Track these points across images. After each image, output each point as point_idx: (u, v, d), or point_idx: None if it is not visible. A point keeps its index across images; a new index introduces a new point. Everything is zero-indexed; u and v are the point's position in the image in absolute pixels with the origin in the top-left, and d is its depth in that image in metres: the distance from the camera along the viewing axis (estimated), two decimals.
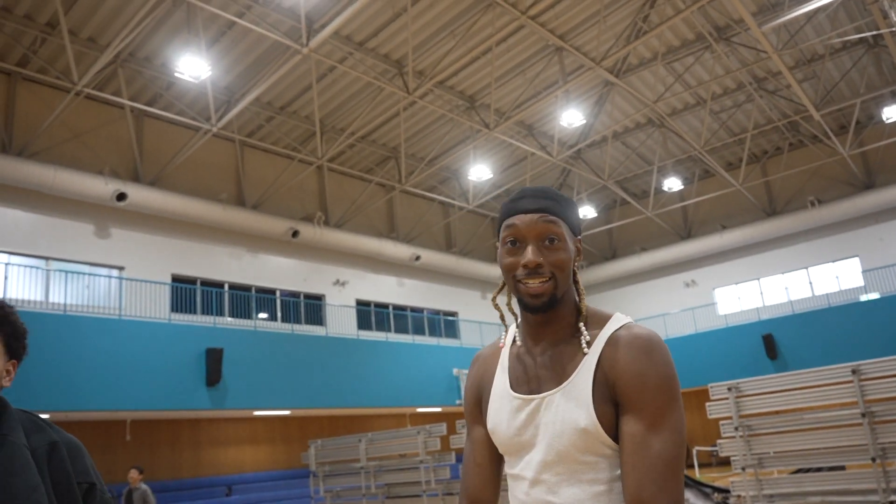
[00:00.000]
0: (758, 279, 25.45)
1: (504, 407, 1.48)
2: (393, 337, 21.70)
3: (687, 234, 27.11)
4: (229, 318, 18.20)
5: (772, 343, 21.09)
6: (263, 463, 19.36)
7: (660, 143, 24.25)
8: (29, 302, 14.76)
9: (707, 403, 11.57)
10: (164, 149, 18.23)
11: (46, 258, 15.78)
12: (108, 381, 13.60)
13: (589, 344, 1.42)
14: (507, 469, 1.51)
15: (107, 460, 15.86)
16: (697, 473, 18.40)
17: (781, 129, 23.90)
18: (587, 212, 26.80)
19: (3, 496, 1.41)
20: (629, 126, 23.84)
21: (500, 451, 1.51)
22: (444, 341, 23.50)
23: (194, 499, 16.73)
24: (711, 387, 11.55)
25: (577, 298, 1.49)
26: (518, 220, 1.44)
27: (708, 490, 12.61)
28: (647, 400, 1.33)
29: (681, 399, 1.37)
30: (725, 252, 25.86)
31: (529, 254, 1.41)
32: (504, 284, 1.53)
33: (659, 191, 26.12)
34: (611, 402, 1.36)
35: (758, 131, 23.47)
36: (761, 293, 25.27)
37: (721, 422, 11.33)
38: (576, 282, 1.50)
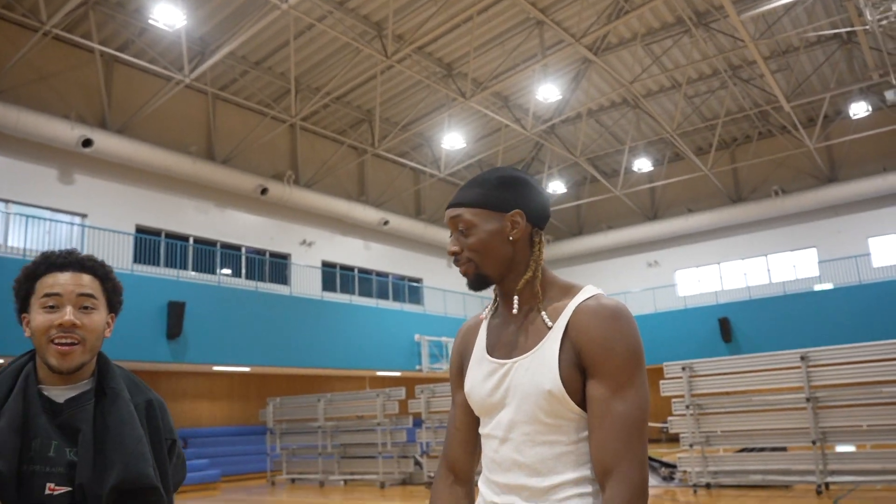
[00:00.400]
0: (718, 263, 25.97)
1: (480, 370, 1.59)
2: (357, 300, 21.77)
3: (653, 215, 27.48)
4: (193, 272, 18.08)
5: (727, 326, 21.61)
6: (221, 418, 19.42)
7: (633, 123, 24.44)
8: None
9: (661, 381, 11.90)
10: (133, 97, 17.88)
11: (6, 201, 15.47)
12: None
13: (555, 315, 1.51)
14: (481, 429, 1.60)
15: None
16: (648, 449, 18.88)
17: (752, 118, 24.24)
18: (557, 187, 26.97)
19: (115, 444, 1.55)
20: (604, 104, 23.96)
21: (475, 412, 1.61)
22: (408, 307, 23.64)
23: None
24: (666, 365, 11.88)
25: (535, 272, 1.57)
26: (445, 215, 1.62)
27: (656, 465, 12.99)
28: (612, 365, 1.42)
29: (644, 367, 1.46)
30: (689, 235, 26.31)
31: (449, 244, 1.60)
32: None
33: (629, 170, 26.38)
34: (577, 368, 1.45)
35: (729, 118, 23.78)
36: (721, 277, 25.81)
37: (673, 399, 11.67)
38: (532, 252, 1.58)
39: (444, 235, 25.75)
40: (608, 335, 1.43)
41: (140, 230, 17.56)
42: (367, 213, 22.87)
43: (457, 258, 1.58)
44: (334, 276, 22.15)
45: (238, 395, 19.85)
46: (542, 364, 1.46)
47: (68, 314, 1.57)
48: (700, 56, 20.39)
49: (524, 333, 1.53)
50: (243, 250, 20.02)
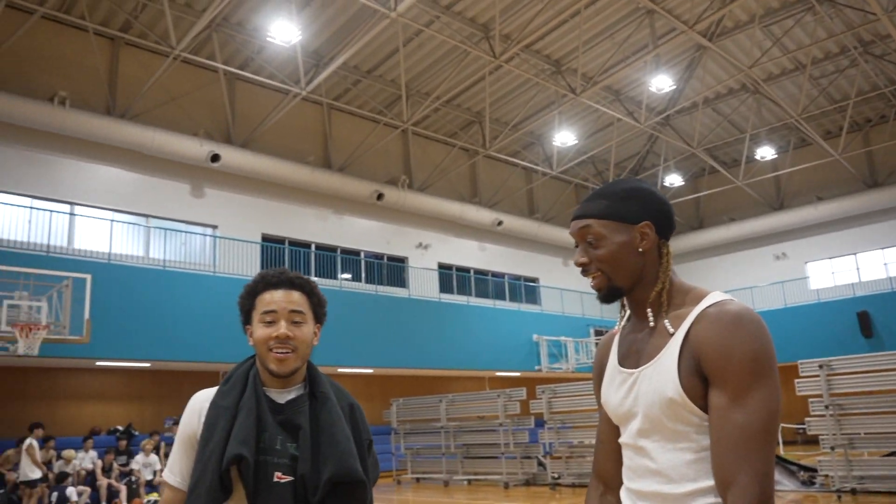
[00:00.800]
0: (854, 254, 24.38)
1: (613, 381, 1.61)
2: (474, 301, 21.89)
3: (779, 204, 26.13)
4: (315, 278, 18.73)
5: (867, 321, 20.26)
6: None
7: (753, 109, 23.34)
8: (131, 257, 15.58)
9: (796, 380, 11.30)
10: (254, 111, 18.75)
11: (147, 216, 16.58)
12: (202, 334, 14.29)
13: (678, 324, 1.49)
14: (620, 439, 1.61)
15: None
16: (782, 450, 17.99)
17: (887, 96, 22.59)
18: (674, 180, 26.15)
19: (329, 441, 1.78)
20: (721, 92, 23.02)
21: (614, 422, 1.63)
22: (525, 307, 23.54)
23: None
24: (801, 363, 11.26)
25: (663, 279, 1.57)
26: (571, 227, 1.62)
27: (794, 468, 12.34)
28: (730, 373, 1.37)
29: (773, 373, 1.39)
30: (820, 224, 24.83)
31: (577, 255, 1.60)
32: None
33: (751, 159, 25.21)
34: (698, 376, 1.42)
35: (861, 98, 22.26)
36: (857, 268, 24.21)
37: (810, 399, 11.05)
38: (661, 263, 1.58)
39: (558, 234, 25.51)
40: (726, 342, 1.39)
41: (265, 239, 18.37)
42: (481, 214, 22.96)
43: (585, 270, 1.58)
44: (451, 277, 22.37)
45: (362, 395, 20.38)
46: (663, 372, 1.46)
47: (283, 328, 1.82)
48: (826, 34, 19.22)
49: (650, 343, 1.53)
50: (362, 255, 20.56)
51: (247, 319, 1.90)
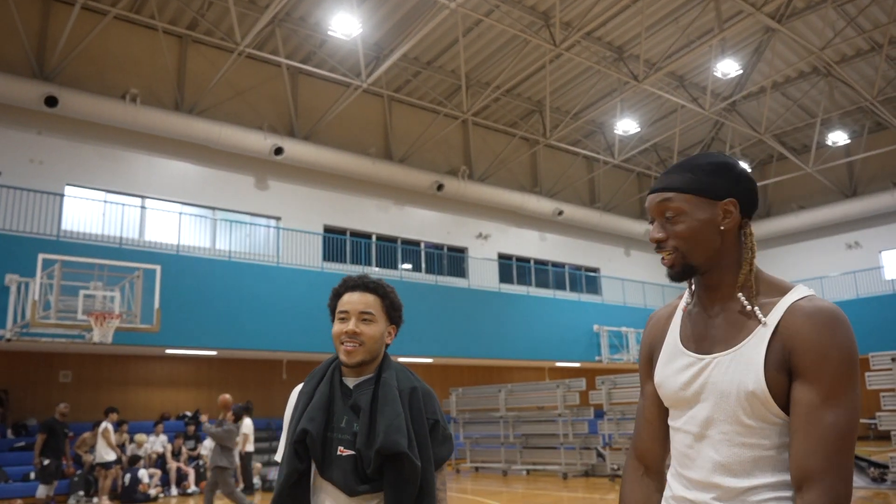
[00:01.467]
0: None
1: (673, 362, 1.55)
2: (534, 291, 21.83)
3: (852, 191, 25.17)
4: (376, 268, 18.99)
5: None
6: None
7: (825, 93, 22.51)
8: (198, 248, 16.08)
9: (867, 373, 10.94)
10: (317, 105, 19.05)
11: (213, 208, 17.07)
12: (266, 323, 14.66)
13: (764, 313, 1.44)
14: (671, 421, 1.57)
15: (264, 396, 17.17)
16: None
17: None
18: None
19: (381, 418, 2.00)
20: (791, 76, 22.27)
21: (666, 404, 1.58)
22: (585, 297, 23.34)
23: None
24: (872, 356, 10.90)
25: (743, 263, 1.51)
26: (648, 200, 1.56)
27: (864, 464, 11.96)
28: (826, 372, 1.34)
29: (857, 378, 1.37)
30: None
31: (653, 230, 1.53)
32: None
33: (822, 145, 24.34)
34: (784, 370, 1.39)
35: None
36: None
37: (882, 393, 10.69)
38: (745, 243, 1.52)
39: (620, 223, 25.17)
40: (824, 340, 1.36)
41: (328, 230, 18.69)
42: (541, 204, 22.84)
43: (660, 246, 1.52)
44: (511, 267, 22.34)
45: None
46: (746, 363, 1.41)
47: (352, 324, 2.08)
48: None
49: (727, 329, 1.48)
50: (422, 245, 20.71)
51: (333, 317, 2.15)
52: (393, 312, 2.18)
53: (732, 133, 24.75)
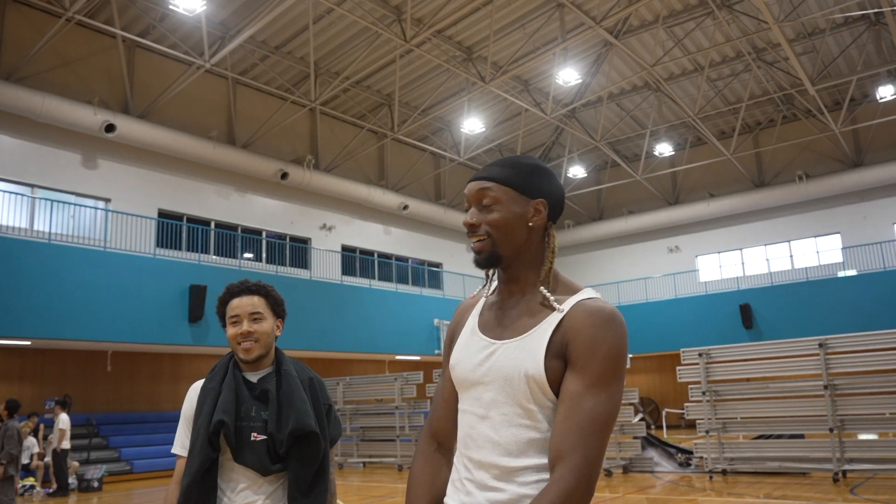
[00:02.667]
0: (740, 249, 25.74)
1: (467, 346, 1.63)
2: (377, 284, 21.88)
3: (675, 199, 27.26)
4: (214, 256, 18.28)
5: (748, 313, 21.46)
6: None
7: (654, 107, 24.22)
8: (13, 228, 14.75)
9: (678, 367, 11.88)
10: (155, 82, 18.03)
11: (32, 185, 15.73)
12: (90, 311, 13.71)
13: (545, 307, 1.55)
14: (459, 404, 1.65)
15: (85, 389, 16.09)
16: (665, 434, 18.88)
17: (776, 101, 23.91)
18: (577, 171, 26.83)
19: (289, 405, 2.25)
20: (625, 88, 23.76)
21: (455, 385, 1.65)
22: (427, 291, 23.72)
23: (173, 430, 17.00)
24: (683, 352, 11.85)
25: (544, 258, 1.61)
26: (468, 187, 1.64)
27: (672, 450, 12.99)
28: (593, 363, 1.45)
29: (623, 375, 1.50)
30: (711, 220, 26.08)
31: (468, 215, 1.62)
32: None
33: (650, 155, 26.18)
34: (562, 360, 1.49)
35: (753, 102, 23.47)
36: (742, 263, 25.60)
37: (690, 386, 11.65)
38: (548, 244, 1.62)
39: (463, 220, 25.72)
40: (596, 335, 1.47)
41: (162, 214, 17.76)
42: (387, 198, 22.93)
43: (473, 230, 1.60)
44: (354, 260, 22.27)
45: None
46: (530, 349, 1.50)
47: (245, 326, 2.30)
48: (723, 38, 20.12)
49: (518, 318, 1.57)
50: (264, 234, 20.18)
51: (223, 323, 2.37)
52: (277, 308, 2.42)
53: (571, 139, 26.04)
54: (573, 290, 1.58)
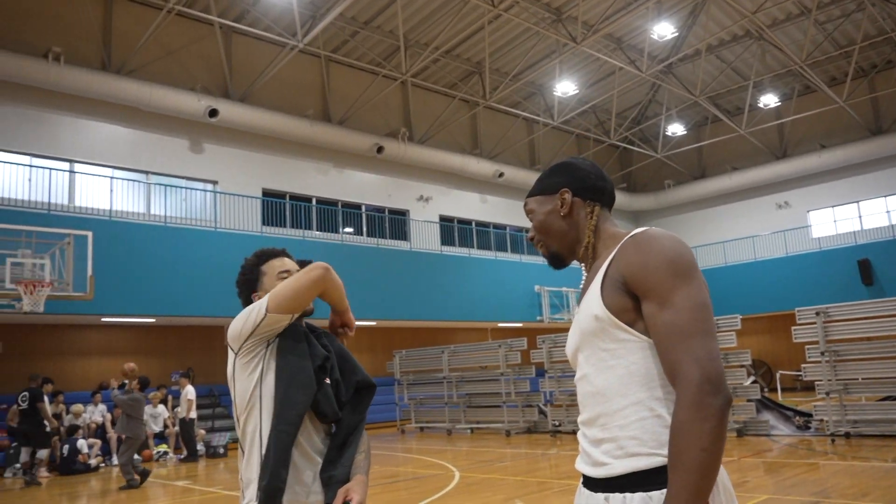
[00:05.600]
0: (857, 202, 24.31)
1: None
2: (475, 253, 21.97)
3: (782, 153, 25.97)
4: (316, 232, 18.80)
5: (868, 268, 20.31)
6: None
7: (757, 56, 23.03)
8: (132, 213, 15.62)
9: (793, 328, 11.41)
10: (252, 65, 18.57)
11: (146, 172, 16.57)
12: (205, 288, 14.40)
13: (605, 257, 1.63)
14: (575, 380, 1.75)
15: (206, 362, 16.96)
16: (780, 397, 18.23)
17: (894, 41, 22.24)
18: (676, 129, 25.94)
19: (352, 366, 2.37)
20: (725, 39, 22.68)
21: (571, 365, 1.76)
22: (527, 258, 23.61)
23: None
24: (798, 311, 11.36)
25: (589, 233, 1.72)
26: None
27: (789, 413, 12.53)
28: (651, 281, 1.48)
29: (693, 273, 1.48)
30: (823, 173, 24.70)
31: (529, 231, 1.83)
32: None
33: (754, 107, 24.98)
34: (626, 294, 1.52)
35: (867, 43, 21.92)
36: (860, 216, 24.18)
37: (807, 346, 11.17)
38: (591, 217, 1.72)
39: None
40: (643, 256, 1.51)
41: (266, 194, 18.37)
42: (482, 166, 22.89)
43: (533, 243, 1.81)
44: (452, 230, 22.41)
45: (366, 347, 20.63)
46: (589, 299, 1.59)
47: None
48: None
49: (587, 287, 1.66)
50: (363, 208, 20.57)
51: (253, 287, 2.37)
52: (245, 291, 2.44)
53: (668, 95, 25.16)
54: (623, 235, 1.64)
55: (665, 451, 1.44)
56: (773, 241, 23.88)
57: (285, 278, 2.31)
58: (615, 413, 1.52)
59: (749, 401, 12.14)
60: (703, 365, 1.38)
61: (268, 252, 2.43)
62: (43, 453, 11.62)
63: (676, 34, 20.59)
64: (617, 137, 25.96)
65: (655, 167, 28.57)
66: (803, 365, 11.32)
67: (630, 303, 1.52)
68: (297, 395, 2.10)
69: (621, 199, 28.07)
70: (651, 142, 27.56)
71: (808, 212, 25.31)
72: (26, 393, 11.37)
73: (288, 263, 2.40)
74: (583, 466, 1.61)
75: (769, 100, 23.81)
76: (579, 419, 1.65)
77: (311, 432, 2.16)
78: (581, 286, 1.78)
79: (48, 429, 11.66)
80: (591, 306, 1.57)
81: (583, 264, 1.75)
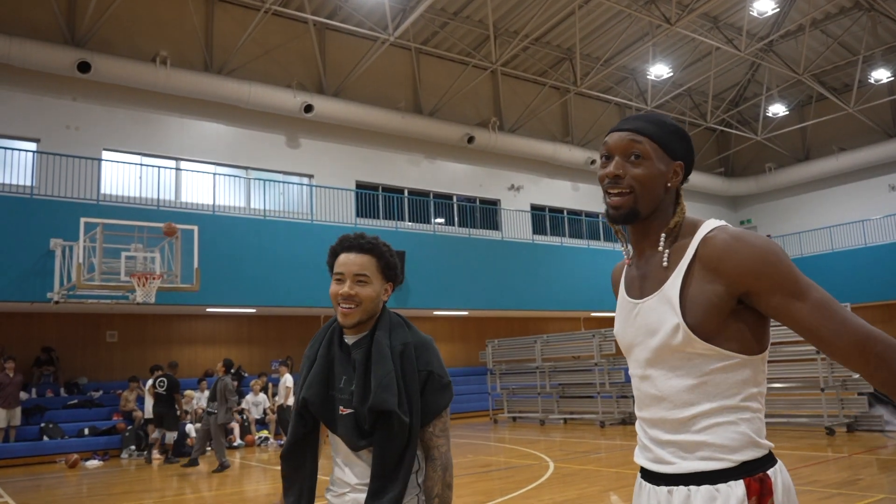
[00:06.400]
0: None
1: (621, 312, 1.68)
2: (568, 242, 21.75)
3: (895, 131, 24.44)
4: (409, 223, 19.06)
5: None
6: (444, 360, 20.39)
7: (867, 29, 21.72)
8: (233, 208, 16.28)
9: None
10: (345, 60, 18.95)
11: (246, 168, 17.21)
12: (302, 280, 14.87)
13: (677, 254, 1.54)
14: (630, 370, 1.68)
15: (303, 350, 17.44)
16: None
17: None
18: (777, 109, 24.81)
19: (371, 374, 2.06)
20: (831, 12, 21.50)
21: (623, 351, 1.69)
22: (620, 247, 23.20)
23: None
24: None
25: (672, 215, 1.61)
26: (611, 136, 1.61)
27: None
28: (777, 277, 1.43)
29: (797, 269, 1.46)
30: None
31: (612, 165, 1.58)
32: None
33: (864, 84, 23.59)
34: (714, 298, 1.45)
35: None
36: None
37: None
38: (678, 203, 1.61)
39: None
40: (752, 254, 1.44)
41: (360, 186, 18.76)
42: (574, 154, 22.60)
43: (615, 182, 1.57)
44: (544, 218, 22.26)
45: (459, 337, 20.80)
46: (666, 301, 1.51)
47: (346, 287, 2.09)
48: None
49: (653, 274, 1.58)
50: (454, 199, 20.70)
51: (332, 274, 2.18)
52: (388, 272, 2.18)
53: (769, 74, 24.10)
54: (696, 226, 1.55)
55: (737, 457, 1.45)
56: (886, 224, 22.53)
57: (338, 281, 2.12)
58: (684, 422, 1.50)
59: (860, 394, 11.55)
60: (847, 332, 1.40)
61: (344, 242, 2.17)
62: (171, 436, 12.42)
63: (777, 9, 19.67)
64: (714, 120, 25.08)
65: (755, 150, 27.44)
66: None
67: (716, 310, 1.46)
68: (292, 423, 2.16)
69: (719, 183, 27.13)
70: (751, 124, 26.49)
71: None
72: (164, 379, 12.22)
73: (347, 263, 2.12)
74: (643, 461, 1.60)
75: (881, 75, 22.45)
76: (639, 413, 1.62)
77: (347, 457, 2.11)
78: (630, 262, 1.68)
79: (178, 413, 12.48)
80: (666, 312, 1.50)
81: (636, 233, 1.63)
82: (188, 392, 14.32)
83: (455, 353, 20.71)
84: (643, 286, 1.60)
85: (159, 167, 15.20)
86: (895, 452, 9.30)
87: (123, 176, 14.95)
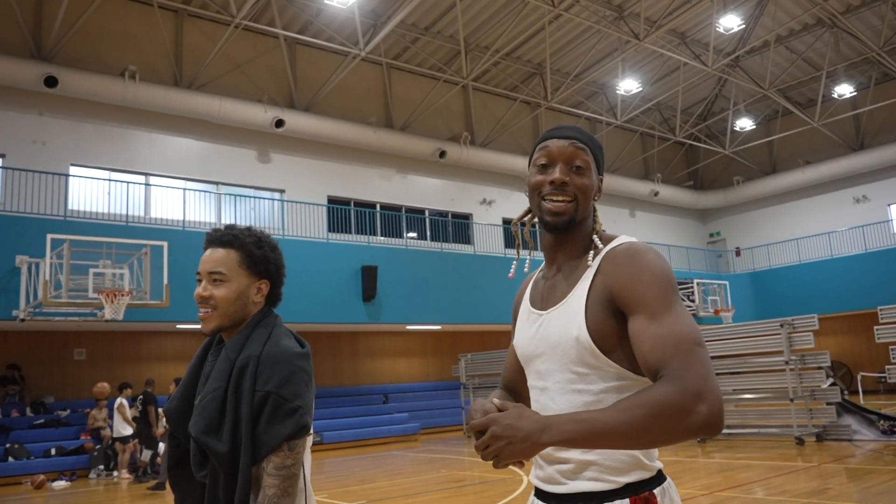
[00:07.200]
0: None
1: (523, 322, 1.67)
2: (540, 255, 21.76)
3: (859, 144, 24.97)
4: (381, 237, 19.01)
5: None
6: (417, 374, 20.42)
7: (830, 45, 22.23)
8: (204, 223, 16.11)
9: (876, 327, 10.97)
10: (316, 75, 18.92)
11: (217, 183, 17.06)
12: None
13: (584, 268, 1.54)
14: (528, 381, 1.66)
15: None
16: (862, 400, 17.54)
17: None
18: (744, 124, 25.23)
19: (201, 391, 1.79)
20: (795, 28, 21.97)
21: (521, 361, 1.67)
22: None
23: (353, 405, 18.01)
24: (881, 310, 10.93)
25: (592, 227, 1.61)
26: (552, 143, 1.59)
27: (873, 417, 12.05)
28: (642, 296, 1.40)
29: (679, 295, 1.43)
30: None
31: (557, 172, 1.55)
32: (527, 210, 1.71)
33: (827, 98, 24.10)
34: (611, 313, 1.45)
35: None
36: None
37: (890, 347, 10.72)
38: (594, 216, 1.63)
39: (624, 185, 25.03)
40: (633, 271, 1.44)
41: (331, 200, 18.68)
42: None
43: (562, 188, 1.55)
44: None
45: (431, 351, 20.75)
46: (570, 313, 1.50)
47: (200, 288, 1.82)
48: None
49: (559, 286, 1.58)
50: (427, 213, 20.70)
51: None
52: (256, 266, 1.87)
53: (736, 89, 24.53)
54: (607, 241, 1.56)
55: (623, 479, 1.45)
56: (851, 236, 22.98)
57: (199, 281, 1.85)
58: None
59: (829, 404, 11.71)
60: (695, 376, 1.28)
61: (206, 238, 1.92)
62: (147, 454, 12.21)
63: (743, 26, 20.05)
64: (683, 135, 25.44)
65: (723, 164, 27.87)
66: (887, 366, 10.86)
67: (613, 325, 1.45)
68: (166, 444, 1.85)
69: (688, 197, 27.48)
70: (718, 138, 26.90)
71: (889, 205, 24.26)
72: (141, 396, 12.09)
73: (204, 261, 1.85)
74: (536, 481, 1.60)
75: (844, 90, 22.96)
76: None
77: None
78: (534, 273, 1.70)
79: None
80: (569, 328, 1.49)
81: (554, 244, 1.63)
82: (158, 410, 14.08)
83: (428, 367, 20.64)
84: (549, 298, 1.59)
85: (128, 182, 15.01)
86: (863, 461, 9.43)
87: (91, 191, 14.73)
